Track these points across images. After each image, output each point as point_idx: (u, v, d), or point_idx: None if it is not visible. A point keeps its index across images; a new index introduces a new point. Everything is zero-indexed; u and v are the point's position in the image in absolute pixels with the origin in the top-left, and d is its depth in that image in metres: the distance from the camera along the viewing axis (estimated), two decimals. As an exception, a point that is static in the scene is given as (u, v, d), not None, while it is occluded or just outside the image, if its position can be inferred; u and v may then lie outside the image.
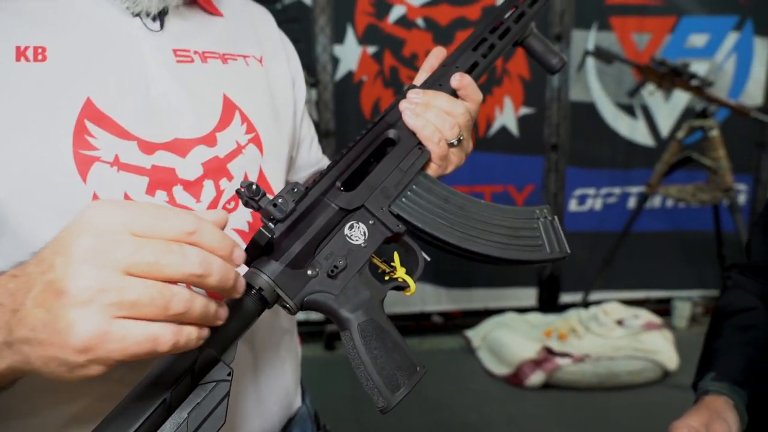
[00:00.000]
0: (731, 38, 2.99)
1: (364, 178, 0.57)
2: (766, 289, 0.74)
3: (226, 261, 0.39)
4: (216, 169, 0.58)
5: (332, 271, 0.53)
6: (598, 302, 3.06)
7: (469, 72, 0.64)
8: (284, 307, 0.51)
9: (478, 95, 0.63)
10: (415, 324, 3.24)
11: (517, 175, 3.10)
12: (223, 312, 0.42)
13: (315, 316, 3.13)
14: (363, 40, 2.87)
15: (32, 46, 0.51)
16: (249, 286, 0.49)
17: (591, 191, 3.18)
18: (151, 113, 0.55)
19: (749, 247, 0.77)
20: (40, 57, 0.51)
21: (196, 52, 0.60)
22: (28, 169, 0.49)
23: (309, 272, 0.52)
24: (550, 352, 2.68)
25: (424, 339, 3.18)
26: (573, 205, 3.18)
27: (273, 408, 0.64)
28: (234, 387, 0.48)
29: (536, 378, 2.55)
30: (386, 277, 0.57)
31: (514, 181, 3.11)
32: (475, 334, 3.04)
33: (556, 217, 0.61)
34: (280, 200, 0.50)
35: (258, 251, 0.50)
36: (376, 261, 0.56)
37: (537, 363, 2.62)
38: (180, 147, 0.56)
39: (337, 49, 2.87)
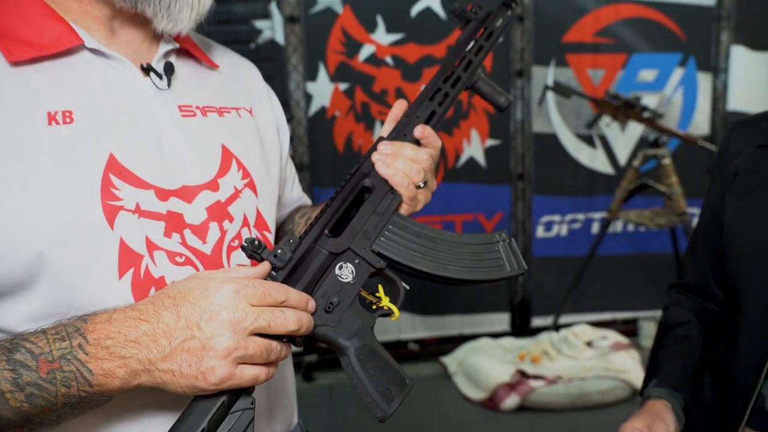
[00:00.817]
0: (677, 73, 3.22)
1: (348, 224, 0.65)
2: (697, 305, 0.84)
3: (307, 312, 0.56)
4: (219, 213, 0.65)
5: (328, 307, 0.61)
6: (568, 325, 3.16)
7: (428, 121, 0.73)
8: (291, 340, 0.58)
9: (438, 142, 0.73)
10: (392, 352, 3.27)
11: (486, 203, 3.22)
12: (287, 352, 0.58)
13: (293, 348, 3.14)
14: (335, 78, 2.98)
15: (61, 110, 0.57)
16: None
17: (556, 218, 3.32)
18: (163, 163, 0.62)
19: (682, 268, 0.87)
20: (68, 119, 0.57)
21: (197, 107, 0.67)
22: (64, 221, 0.55)
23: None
24: (523, 375, 2.75)
25: (401, 366, 3.22)
26: (540, 232, 3.31)
27: (278, 424, 0.70)
28: (259, 405, 0.56)
29: (511, 401, 2.61)
30: (373, 307, 0.65)
31: (484, 209, 3.23)
32: (450, 360, 3.10)
33: (513, 240, 0.69)
34: (279, 251, 0.59)
35: None
36: (364, 294, 0.64)
37: (511, 386, 2.68)
38: (187, 193, 0.63)
39: (310, 86, 2.98)
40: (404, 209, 0.69)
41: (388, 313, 0.64)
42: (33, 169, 0.54)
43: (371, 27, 2.97)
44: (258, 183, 0.71)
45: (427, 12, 3.01)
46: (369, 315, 0.63)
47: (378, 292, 0.65)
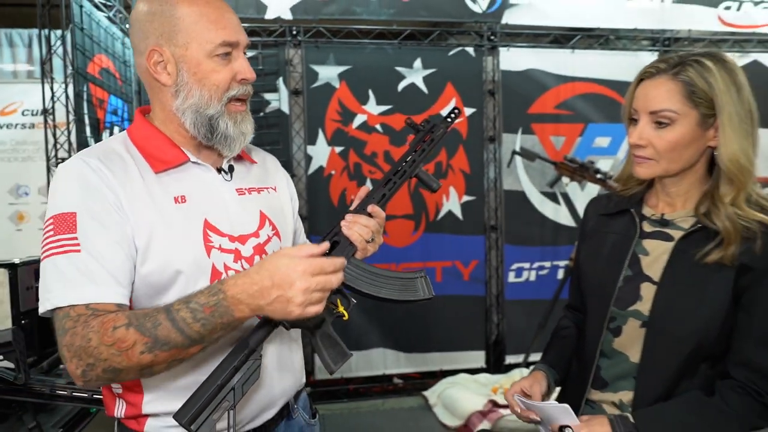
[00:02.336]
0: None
1: None
2: (575, 317, 1.23)
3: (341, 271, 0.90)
4: (259, 250, 1.05)
5: None
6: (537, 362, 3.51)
7: (379, 200, 1.09)
8: (283, 326, 0.97)
9: (382, 214, 1.09)
10: (379, 387, 3.60)
11: (463, 252, 3.63)
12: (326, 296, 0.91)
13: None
14: (331, 142, 3.45)
15: (180, 195, 0.98)
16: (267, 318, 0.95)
17: (526, 265, 3.72)
18: (231, 223, 1.02)
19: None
20: (184, 201, 0.98)
21: (246, 189, 1.09)
22: (187, 254, 0.94)
23: None
24: (495, 404, 3.09)
25: (387, 400, 3.54)
26: (511, 277, 3.71)
27: (288, 379, 1.07)
28: (269, 366, 0.97)
29: (483, 426, 2.94)
30: (334, 311, 1.03)
31: (461, 257, 3.63)
32: (431, 393, 3.43)
33: (427, 276, 1.07)
34: None
35: None
36: (329, 303, 1.02)
37: (483, 414, 3.02)
38: (243, 239, 1.03)
39: (310, 149, 3.44)
40: (359, 255, 1.05)
41: (341, 316, 1.02)
42: (171, 226, 0.95)
43: (364, 99, 3.47)
44: (281, 233, 1.11)
45: (412, 87, 3.51)
46: (330, 315, 1.00)
47: (337, 303, 1.03)
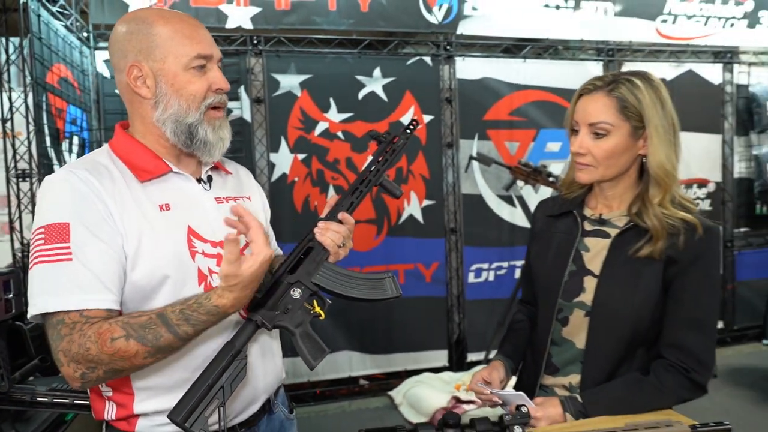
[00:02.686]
0: (577, 145, 3.92)
1: (299, 267, 1.11)
2: (528, 311, 1.35)
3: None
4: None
5: (286, 311, 1.07)
6: (496, 358, 3.66)
7: (348, 208, 1.16)
8: (266, 327, 1.04)
9: (352, 221, 1.16)
10: (345, 389, 3.67)
11: (424, 254, 3.74)
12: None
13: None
14: (294, 149, 3.51)
15: (164, 203, 1.03)
16: (251, 320, 1.02)
17: (485, 266, 3.87)
18: (212, 229, 1.08)
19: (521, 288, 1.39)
20: (168, 209, 1.03)
21: (224, 198, 1.15)
22: (174, 259, 1.00)
23: (276, 312, 1.06)
24: (458, 400, 3.21)
25: (353, 401, 3.61)
26: (471, 278, 3.85)
27: (270, 376, 1.14)
28: (254, 364, 1.04)
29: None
30: (310, 311, 1.10)
31: (423, 259, 3.75)
32: (396, 393, 3.52)
33: (394, 276, 1.16)
34: (263, 280, 1.05)
35: (253, 305, 1.05)
36: (306, 304, 1.10)
37: (446, 410, 3.13)
38: (222, 244, 1.09)
39: (273, 156, 3.48)
40: (331, 259, 1.12)
41: (318, 315, 1.09)
42: (157, 232, 1.00)
43: (325, 107, 3.54)
44: None
45: (372, 95, 3.61)
46: (307, 315, 1.09)
47: (313, 304, 1.10)
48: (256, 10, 3.35)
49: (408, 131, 1.24)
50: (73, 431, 1.46)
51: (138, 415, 1.01)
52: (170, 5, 3.23)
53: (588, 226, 1.20)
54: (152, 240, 0.99)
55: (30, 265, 0.94)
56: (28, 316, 0.94)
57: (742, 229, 4.48)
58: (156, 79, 1.03)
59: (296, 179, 3.51)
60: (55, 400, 1.15)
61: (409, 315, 3.71)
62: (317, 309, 1.10)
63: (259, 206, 1.26)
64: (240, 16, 3.33)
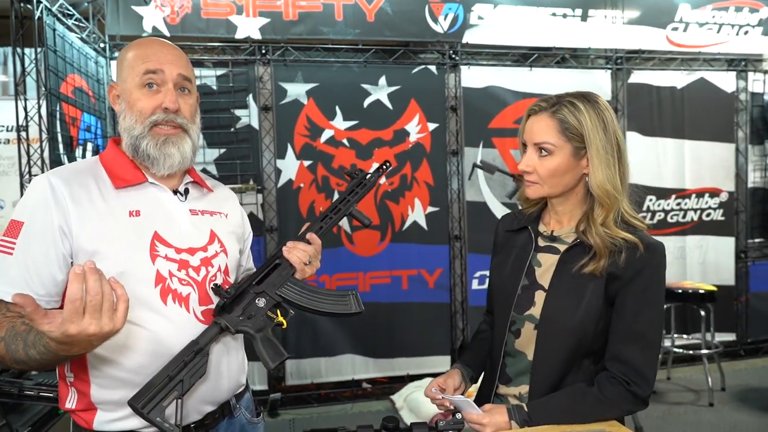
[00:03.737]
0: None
1: (265, 279, 1.20)
2: (491, 320, 1.39)
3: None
4: (206, 262, 1.18)
5: (249, 317, 1.14)
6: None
7: (317, 231, 1.26)
8: (229, 330, 1.11)
9: (318, 242, 1.25)
10: (348, 392, 3.74)
11: (428, 261, 3.78)
12: None
13: (259, 387, 3.58)
14: (300, 156, 3.59)
15: (135, 210, 1.13)
16: (216, 323, 1.10)
17: (488, 273, 3.88)
18: (181, 236, 1.16)
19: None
20: (138, 215, 1.12)
21: (200, 211, 1.23)
22: (134, 259, 1.08)
23: (240, 318, 1.14)
24: (456, 406, 3.24)
25: (356, 404, 3.67)
26: (475, 284, 3.87)
27: (228, 379, 1.20)
28: (215, 364, 1.11)
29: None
30: (274, 320, 1.18)
31: (426, 266, 3.79)
32: (398, 397, 3.57)
33: (357, 294, 1.23)
34: (229, 289, 1.14)
35: (219, 310, 1.13)
36: (269, 313, 1.18)
37: (446, 416, 3.16)
38: (191, 251, 1.17)
39: (280, 163, 3.58)
40: (298, 275, 1.21)
41: (280, 324, 1.17)
42: (122, 235, 1.09)
43: (331, 115, 3.62)
44: (228, 251, 1.26)
45: (377, 103, 3.68)
46: (269, 323, 1.17)
47: (276, 313, 1.19)
48: (264, 20, 3.45)
49: (380, 171, 1.37)
50: (62, 425, 1.56)
51: (95, 408, 1.09)
52: (182, 16, 3.35)
53: (541, 242, 1.24)
54: (115, 240, 1.08)
55: None
56: None
57: (756, 240, 4.40)
58: (121, 96, 1.16)
59: (302, 185, 3.60)
60: (41, 393, 1.24)
61: (413, 320, 3.76)
62: (280, 318, 1.19)
63: (236, 224, 1.33)
64: (249, 27, 3.44)
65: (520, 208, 1.37)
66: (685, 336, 4.17)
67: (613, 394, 1.10)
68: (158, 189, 1.19)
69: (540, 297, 1.18)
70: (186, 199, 1.23)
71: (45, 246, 1.04)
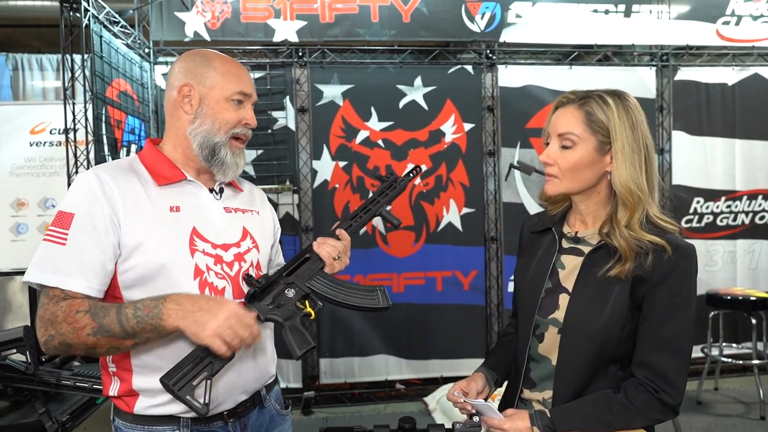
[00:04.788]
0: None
1: (296, 271, 1.23)
2: (516, 323, 1.36)
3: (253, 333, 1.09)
4: (239, 257, 1.23)
5: (278, 306, 1.17)
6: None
7: (346, 228, 1.30)
8: (259, 318, 1.14)
9: (348, 239, 1.29)
10: (381, 392, 3.74)
11: (463, 262, 3.75)
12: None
13: (294, 384, 3.63)
14: (336, 157, 3.63)
15: (175, 205, 1.18)
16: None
17: (525, 275, 3.82)
18: (216, 233, 1.21)
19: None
20: (178, 210, 1.18)
21: (233, 209, 1.28)
22: (174, 253, 1.13)
23: (270, 306, 1.16)
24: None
25: (389, 404, 3.67)
26: (511, 287, 3.80)
27: (259, 368, 1.23)
28: (243, 354, 1.15)
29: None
30: (302, 310, 1.20)
31: (461, 267, 3.76)
32: (431, 399, 3.55)
33: (385, 289, 1.24)
34: (261, 280, 1.17)
35: (250, 298, 1.16)
36: (298, 304, 1.20)
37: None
38: (226, 247, 1.21)
39: (315, 164, 3.62)
40: (326, 269, 1.25)
41: (308, 314, 1.20)
42: (164, 228, 1.14)
43: (366, 116, 3.64)
44: (260, 247, 1.30)
45: (412, 104, 3.67)
46: (298, 313, 1.19)
47: (305, 304, 1.22)
48: (301, 23, 3.50)
49: (411, 175, 1.40)
50: (98, 415, 1.62)
51: (137, 394, 1.13)
52: (222, 21, 3.44)
53: (565, 244, 1.21)
54: (157, 233, 1.13)
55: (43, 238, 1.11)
56: (23, 280, 1.10)
57: (815, 245, 4.15)
58: (201, 100, 1.21)
59: (337, 186, 3.63)
60: (77, 384, 1.29)
61: (447, 322, 3.73)
62: (308, 309, 1.21)
63: (267, 221, 1.39)
64: (286, 30, 3.49)
65: (544, 210, 1.34)
66: (734, 345, 3.98)
67: (640, 401, 1.06)
68: (195, 187, 1.24)
69: (564, 300, 1.15)
70: (221, 197, 1.28)
71: (96, 237, 1.09)
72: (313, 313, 1.20)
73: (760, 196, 4.03)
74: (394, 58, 3.66)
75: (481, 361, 4.16)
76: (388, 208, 1.35)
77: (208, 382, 1.06)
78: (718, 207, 3.99)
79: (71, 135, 2.64)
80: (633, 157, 1.10)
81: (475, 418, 1.11)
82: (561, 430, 1.08)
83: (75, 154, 2.61)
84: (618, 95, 1.13)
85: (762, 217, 4.05)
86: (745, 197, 4.01)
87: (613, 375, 1.12)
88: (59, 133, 3.51)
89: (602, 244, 1.13)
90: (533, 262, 1.24)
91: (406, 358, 3.73)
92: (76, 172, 2.62)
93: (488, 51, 3.72)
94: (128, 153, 3.07)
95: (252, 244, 1.28)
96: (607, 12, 3.76)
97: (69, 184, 2.60)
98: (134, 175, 1.18)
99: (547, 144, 1.18)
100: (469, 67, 3.71)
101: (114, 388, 1.16)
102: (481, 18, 3.65)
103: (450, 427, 1.11)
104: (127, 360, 1.13)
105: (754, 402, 3.46)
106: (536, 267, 1.22)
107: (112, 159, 2.82)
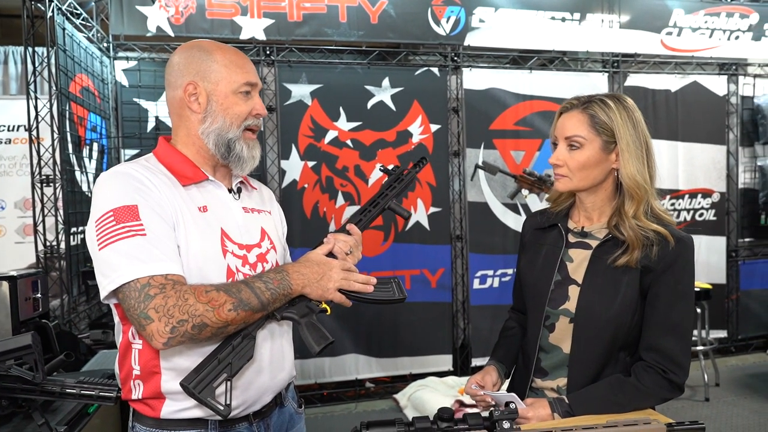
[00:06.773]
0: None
1: None
2: (519, 317, 1.43)
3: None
4: (261, 259, 1.22)
5: (293, 304, 1.17)
6: (500, 363, 3.72)
7: (356, 223, 1.31)
8: (275, 317, 1.14)
9: (359, 233, 1.30)
10: (352, 391, 3.76)
11: (430, 260, 3.82)
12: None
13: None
14: (304, 156, 3.61)
15: (203, 205, 1.16)
16: None
17: (489, 272, 3.95)
18: (239, 233, 1.20)
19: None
20: (206, 210, 1.16)
21: (251, 209, 1.27)
22: (207, 254, 1.11)
23: (285, 305, 1.16)
24: (462, 404, 3.28)
25: (359, 403, 3.69)
26: (476, 284, 3.92)
27: (283, 370, 1.23)
28: (266, 357, 1.13)
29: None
30: (318, 306, 1.20)
31: (429, 266, 3.83)
32: (401, 396, 3.60)
33: (399, 281, 1.26)
34: None
35: None
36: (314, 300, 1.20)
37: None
38: (249, 248, 1.20)
39: (284, 163, 3.59)
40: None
41: (324, 310, 1.20)
42: (198, 228, 1.12)
43: (335, 116, 3.64)
44: (276, 247, 1.30)
45: (380, 105, 3.71)
46: (315, 309, 1.19)
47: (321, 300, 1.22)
48: (269, 21, 3.46)
49: (417, 167, 1.42)
50: (93, 424, 1.56)
51: (164, 397, 1.11)
52: (186, 16, 3.35)
53: (572, 238, 1.28)
54: (193, 233, 1.12)
55: (101, 246, 1.04)
56: (108, 289, 1.03)
57: (747, 240, 4.52)
58: (208, 97, 1.18)
59: (306, 186, 3.61)
60: (82, 392, 1.24)
61: (415, 320, 3.79)
62: (323, 305, 1.21)
63: (278, 221, 1.38)
64: (253, 28, 3.45)
65: (545, 208, 1.41)
66: (679, 333, 4.26)
67: (650, 382, 1.14)
68: (216, 187, 1.23)
69: (574, 291, 1.22)
70: (239, 197, 1.27)
71: (162, 222, 1.07)
72: (328, 309, 1.20)
73: (699, 195, 4.35)
74: (361, 58, 3.69)
75: (448, 357, 4.25)
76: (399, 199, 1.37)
77: (229, 383, 1.05)
78: (663, 205, 4.25)
79: (34, 132, 2.50)
80: (638, 152, 1.19)
81: (512, 405, 1.16)
82: (579, 414, 1.15)
83: (38, 153, 2.47)
84: (617, 98, 1.23)
85: (701, 214, 4.36)
86: (687, 196, 4.31)
87: (623, 361, 1.20)
88: (9, 130, 3.31)
89: (609, 237, 1.21)
90: (539, 258, 1.31)
91: (375, 356, 3.77)
92: (40, 172, 2.48)
93: (453, 54, 3.81)
94: (91, 151, 2.94)
95: (270, 245, 1.28)
96: (563, 19, 3.94)
97: (33, 185, 2.46)
98: (162, 175, 1.16)
99: (555, 146, 1.26)
100: (435, 70, 3.79)
101: (137, 392, 1.12)
102: (447, 21, 3.74)
103: (486, 414, 1.15)
104: (156, 362, 1.11)
105: (699, 385, 3.73)
106: (544, 261, 1.29)
107: (76, 157, 2.70)
